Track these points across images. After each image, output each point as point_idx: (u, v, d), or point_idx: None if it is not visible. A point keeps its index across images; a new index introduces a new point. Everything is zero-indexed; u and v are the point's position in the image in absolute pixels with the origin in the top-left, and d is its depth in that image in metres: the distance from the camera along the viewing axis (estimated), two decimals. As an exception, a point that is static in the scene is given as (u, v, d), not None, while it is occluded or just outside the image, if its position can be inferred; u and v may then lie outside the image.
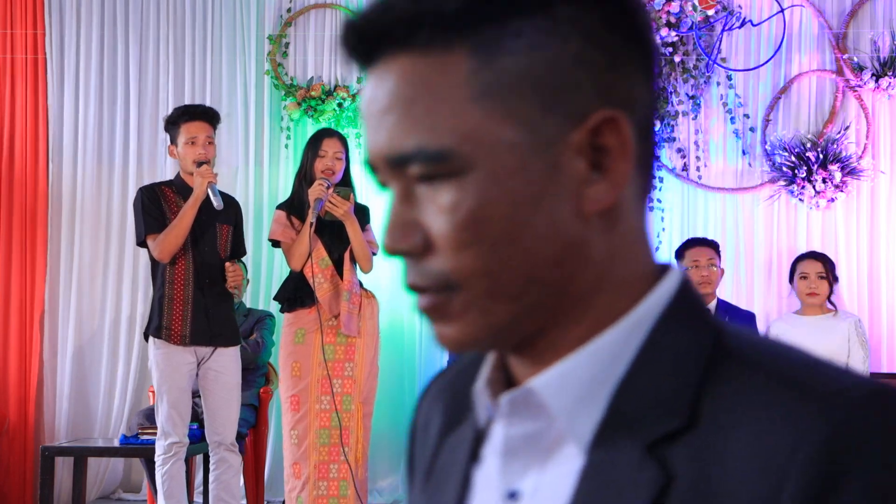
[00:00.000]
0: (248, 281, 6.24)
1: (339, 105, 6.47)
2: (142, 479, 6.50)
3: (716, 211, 6.39)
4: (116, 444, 5.64)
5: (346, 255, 5.01)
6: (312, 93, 6.49)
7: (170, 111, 6.57)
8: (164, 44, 6.67)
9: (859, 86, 6.24)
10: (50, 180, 6.65)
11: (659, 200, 6.36)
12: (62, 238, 6.64)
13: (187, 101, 6.58)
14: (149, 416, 5.70)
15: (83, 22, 6.66)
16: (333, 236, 5.02)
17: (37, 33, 6.66)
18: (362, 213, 5.22)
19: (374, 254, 5.16)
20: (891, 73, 6.19)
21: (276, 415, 6.42)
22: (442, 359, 6.25)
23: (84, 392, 6.60)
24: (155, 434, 5.41)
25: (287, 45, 6.63)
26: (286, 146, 6.57)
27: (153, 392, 6.04)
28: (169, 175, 6.60)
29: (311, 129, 6.55)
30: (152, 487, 5.75)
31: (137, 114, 6.65)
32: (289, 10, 6.62)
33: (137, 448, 5.45)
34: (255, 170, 6.59)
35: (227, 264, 4.82)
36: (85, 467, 5.80)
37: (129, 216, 6.59)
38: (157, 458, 4.76)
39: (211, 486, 4.85)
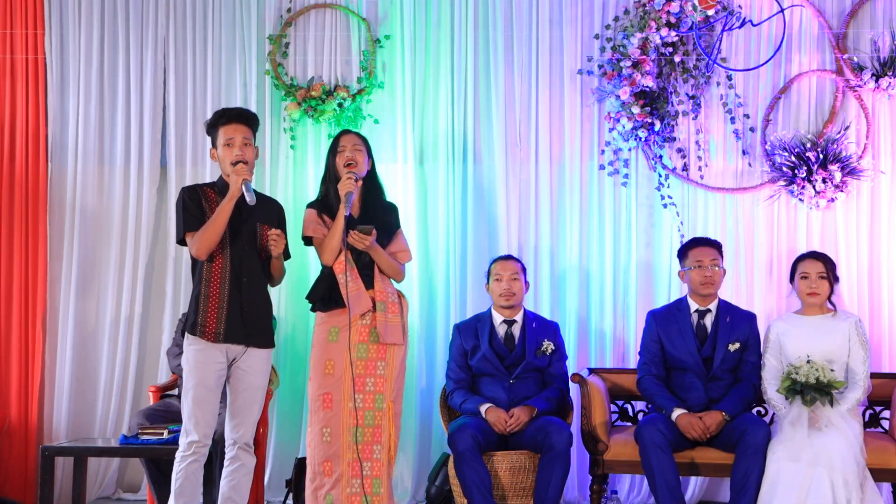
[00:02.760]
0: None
1: (340, 105, 6.48)
2: (142, 479, 6.50)
3: (716, 211, 6.39)
4: (116, 444, 5.64)
5: (376, 268, 5.12)
6: (312, 93, 6.49)
7: (169, 111, 6.64)
8: (164, 44, 6.67)
9: (859, 86, 6.24)
10: (50, 180, 6.65)
11: (670, 197, 6.33)
12: (63, 238, 6.64)
13: (188, 102, 6.63)
14: (149, 416, 5.71)
15: (83, 22, 6.66)
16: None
17: (37, 33, 6.66)
18: (391, 213, 5.29)
19: (406, 261, 5.25)
20: (891, 73, 6.19)
21: (276, 415, 6.43)
22: (442, 357, 6.25)
23: (84, 392, 6.60)
24: (154, 434, 5.45)
25: (287, 45, 6.64)
26: (291, 147, 6.57)
27: (153, 392, 6.06)
28: (169, 175, 6.64)
29: (311, 129, 6.57)
30: (152, 487, 5.76)
31: (138, 114, 6.65)
32: (289, 10, 6.62)
33: (137, 448, 5.46)
34: (256, 170, 6.55)
35: (272, 231, 4.85)
36: (85, 467, 5.81)
37: (128, 217, 6.61)
38: (176, 455, 4.81)
39: (223, 483, 4.88)
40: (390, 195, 6.45)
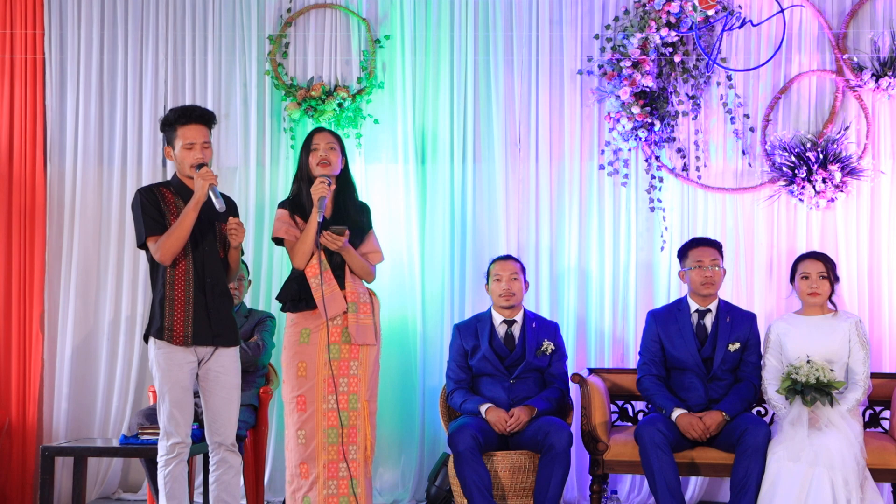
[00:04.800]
0: (249, 282, 6.23)
1: (339, 105, 6.48)
2: (142, 479, 6.50)
3: (716, 211, 6.39)
4: (116, 444, 5.64)
5: (347, 268, 5.05)
6: (312, 93, 6.49)
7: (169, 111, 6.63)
8: (164, 44, 6.67)
9: (859, 86, 6.24)
10: (49, 180, 6.65)
11: (660, 200, 6.36)
12: (62, 238, 6.64)
13: (188, 101, 6.60)
14: (149, 416, 5.70)
15: (83, 22, 6.66)
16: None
17: (36, 33, 6.66)
18: (363, 214, 5.23)
19: (377, 262, 5.20)
20: (891, 73, 6.19)
21: (276, 415, 6.42)
22: (442, 357, 6.25)
23: (84, 392, 6.60)
24: (155, 434, 5.41)
25: (287, 45, 6.63)
26: (291, 146, 6.57)
27: (153, 392, 6.06)
28: (168, 175, 6.62)
29: (311, 128, 6.55)
30: (152, 487, 5.76)
31: (137, 114, 6.65)
32: (289, 10, 6.62)
33: (137, 448, 5.45)
34: (255, 170, 6.59)
35: (232, 220, 4.75)
36: (85, 467, 5.80)
37: (128, 216, 6.60)
38: (160, 459, 4.75)
39: (211, 487, 4.85)
40: (391, 195, 6.47)
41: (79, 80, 6.65)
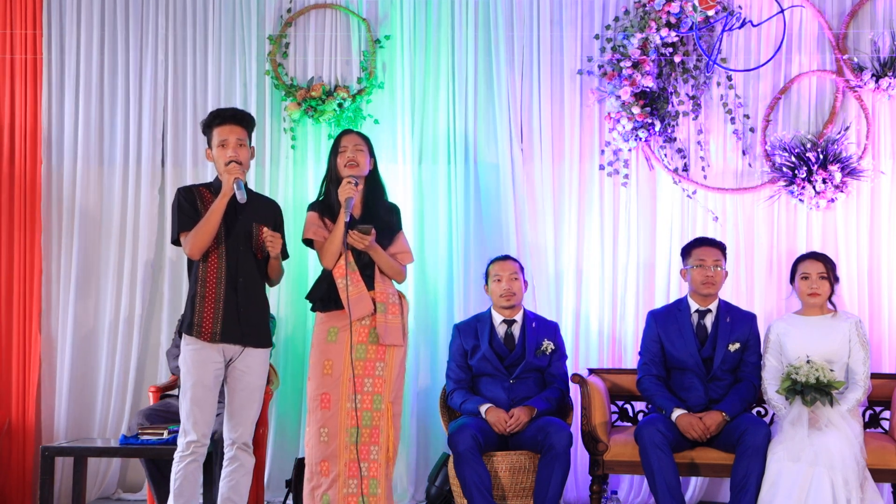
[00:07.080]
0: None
1: (340, 105, 6.48)
2: (142, 480, 6.50)
3: (716, 211, 6.39)
4: (116, 444, 5.65)
5: (377, 268, 5.12)
6: (313, 93, 6.49)
7: (169, 111, 6.64)
8: (164, 44, 6.67)
9: (859, 86, 6.25)
10: (49, 180, 6.65)
11: (685, 193, 6.35)
12: (61, 238, 6.63)
13: (188, 102, 6.64)
14: (149, 416, 5.71)
15: (82, 22, 6.66)
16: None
17: (36, 33, 6.66)
18: (393, 214, 5.29)
19: (408, 263, 5.24)
20: (891, 74, 6.19)
21: (276, 415, 6.43)
22: (442, 357, 6.25)
23: (84, 392, 6.60)
24: (154, 434, 5.45)
25: (287, 45, 6.63)
26: (292, 147, 6.57)
27: (153, 392, 6.06)
28: (168, 175, 6.64)
29: (311, 129, 6.57)
30: (152, 487, 5.76)
31: (137, 114, 6.64)
32: (289, 10, 6.62)
33: (137, 448, 5.46)
34: (255, 170, 6.59)
35: (266, 231, 4.86)
36: (85, 467, 5.81)
37: (127, 216, 6.61)
38: (176, 455, 4.81)
39: (222, 483, 4.89)
40: (390, 195, 6.46)
41: (78, 80, 6.65)
